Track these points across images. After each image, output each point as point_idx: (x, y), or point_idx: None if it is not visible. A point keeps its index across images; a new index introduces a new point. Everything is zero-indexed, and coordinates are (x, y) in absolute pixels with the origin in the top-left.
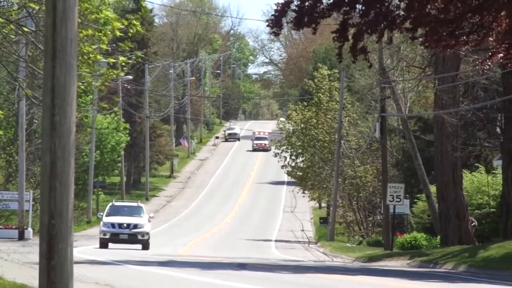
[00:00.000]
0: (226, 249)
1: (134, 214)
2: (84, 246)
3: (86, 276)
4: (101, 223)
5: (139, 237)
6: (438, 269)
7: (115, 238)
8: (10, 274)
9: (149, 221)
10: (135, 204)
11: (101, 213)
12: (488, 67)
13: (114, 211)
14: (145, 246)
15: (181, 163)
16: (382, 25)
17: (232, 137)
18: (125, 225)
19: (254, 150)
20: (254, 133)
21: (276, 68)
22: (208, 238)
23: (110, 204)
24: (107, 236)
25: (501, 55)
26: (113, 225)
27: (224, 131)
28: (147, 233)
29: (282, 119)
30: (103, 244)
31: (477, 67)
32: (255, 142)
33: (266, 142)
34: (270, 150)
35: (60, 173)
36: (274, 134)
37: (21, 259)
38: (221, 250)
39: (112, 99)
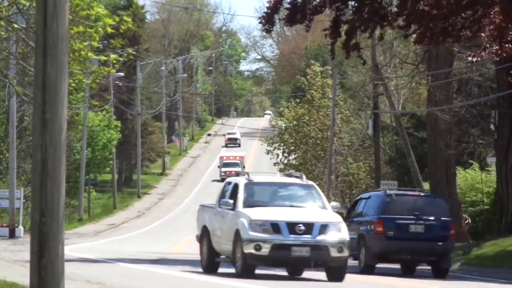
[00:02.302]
0: None
1: (304, 201)
2: (75, 244)
3: (78, 274)
4: (246, 222)
5: (334, 252)
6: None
7: (284, 256)
8: (1, 272)
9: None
10: (302, 181)
11: (225, 199)
12: (480, 59)
13: (257, 195)
14: (341, 272)
15: (173, 160)
16: (375, 22)
17: (232, 143)
18: (301, 226)
19: (223, 179)
20: (221, 157)
21: (268, 65)
22: None
23: (245, 181)
24: (264, 253)
25: (494, 50)
26: (275, 226)
27: (224, 135)
28: (347, 242)
29: (269, 111)
30: (249, 268)
31: (469, 61)
32: (223, 169)
33: (239, 169)
34: None
35: (51, 171)
36: (265, 131)
37: (12, 257)
38: None
39: (103, 96)
